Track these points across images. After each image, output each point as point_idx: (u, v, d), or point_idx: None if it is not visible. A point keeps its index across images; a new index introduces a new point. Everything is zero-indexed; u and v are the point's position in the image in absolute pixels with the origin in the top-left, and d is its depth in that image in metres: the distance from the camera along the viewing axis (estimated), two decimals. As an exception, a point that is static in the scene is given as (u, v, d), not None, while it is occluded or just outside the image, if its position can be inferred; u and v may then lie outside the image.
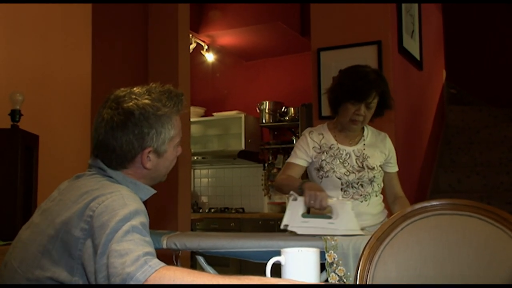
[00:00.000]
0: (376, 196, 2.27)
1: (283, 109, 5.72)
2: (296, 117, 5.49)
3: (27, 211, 2.12)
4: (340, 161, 2.22)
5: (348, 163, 2.22)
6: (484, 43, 5.60)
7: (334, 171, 2.21)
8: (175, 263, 1.94)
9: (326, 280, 1.72)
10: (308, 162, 2.27)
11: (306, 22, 4.78)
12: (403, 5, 3.75)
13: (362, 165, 2.22)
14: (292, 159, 2.29)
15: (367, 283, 1.28)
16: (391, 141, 2.37)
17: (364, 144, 2.28)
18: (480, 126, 5.10)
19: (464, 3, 5.52)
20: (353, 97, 2.15)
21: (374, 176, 2.22)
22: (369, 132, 2.33)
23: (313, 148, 2.26)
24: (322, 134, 2.29)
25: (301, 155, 2.26)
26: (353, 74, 2.20)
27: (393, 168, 2.36)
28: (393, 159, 2.35)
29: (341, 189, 2.21)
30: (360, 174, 2.21)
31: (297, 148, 2.29)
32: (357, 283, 1.29)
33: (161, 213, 3.75)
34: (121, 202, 1.13)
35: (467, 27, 5.62)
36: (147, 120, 1.27)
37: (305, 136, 2.30)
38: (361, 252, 1.33)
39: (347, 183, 2.20)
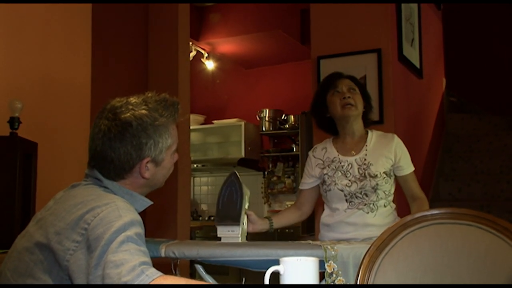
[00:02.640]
0: (385, 206, 2.20)
1: (283, 117, 5.72)
2: (296, 125, 5.49)
3: (25, 219, 2.10)
4: (342, 173, 2.21)
5: (350, 173, 2.20)
6: (484, 51, 5.61)
7: (336, 184, 2.20)
8: (174, 272, 1.93)
9: (325, 289, 1.70)
10: (315, 182, 2.31)
11: (306, 30, 4.79)
12: (403, 13, 3.76)
13: (364, 174, 2.18)
14: (300, 185, 2.38)
15: (367, 293, 1.27)
16: (400, 142, 2.25)
17: (366, 150, 2.23)
18: (480, 134, 5.10)
19: (464, 11, 5.54)
20: (328, 85, 2.28)
21: (377, 184, 2.16)
22: (373, 137, 2.27)
23: (316, 165, 2.29)
24: (326, 148, 2.31)
25: (306, 180, 2.34)
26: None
27: (406, 170, 2.24)
28: (403, 161, 2.23)
29: (346, 200, 2.19)
30: (362, 183, 2.17)
31: (304, 173, 2.36)
32: (357, 292, 1.28)
33: (161, 221, 3.74)
34: (116, 214, 1.12)
35: (467, 36, 5.63)
36: (145, 131, 1.27)
37: (309, 157, 2.35)
38: (361, 261, 1.32)
39: (350, 194, 2.18)
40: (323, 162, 2.27)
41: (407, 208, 2.31)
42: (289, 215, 2.36)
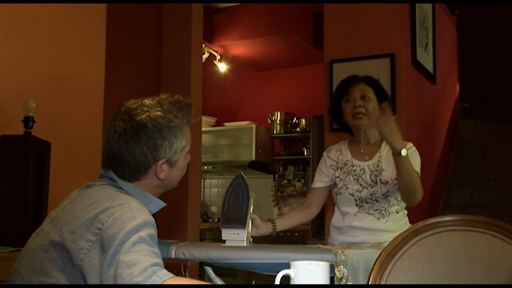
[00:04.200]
0: (397, 213, 2.18)
1: (294, 120, 5.72)
2: (307, 128, 5.48)
3: (37, 218, 2.12)
4: (353, 177, 2.20)
5: (362, 179, 2.18)
6: (498, 57, 5.56)
7: (347, 188, 2.19)
8: (183, 273, 1.93)
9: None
10: (329, 182, 2.30)
11: (319, 34, 4.78)
12: (417, 18, 3.74)
13: (376, 180, 2.17)
14: (313, 184, 2.36)
15: (377, 299, 1.26)
16: (413, 149, 2.20)
17: (379, 157, 2.22)
18: (493, 141, 5.05)
19: (478, 17, 5.50)
20: (342, 91, 2.24)
21: (388, 191, 2.14)
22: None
23: (330, 166, 2.28)
24: (341, 150, 2.30)
25: (319, 178, 2.32)
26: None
27: None
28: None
29: (356, 205, 2.18)
30: (373, 189, 2.15)
31: (317, 171, 2.34)
32: (367, 298, 1.27)
33: (171, 222, 3.75)
34: (130, 214, 1.13)
35: (481, 41, 5.59)
36: (160, 132, 1.29)
37: (323, 157, 2.34)
38: (371, 266, 1.31)
39: (361, 199, 2.17)
40: (337, 163, 2.27)
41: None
42: (294, 216, 2.34)
